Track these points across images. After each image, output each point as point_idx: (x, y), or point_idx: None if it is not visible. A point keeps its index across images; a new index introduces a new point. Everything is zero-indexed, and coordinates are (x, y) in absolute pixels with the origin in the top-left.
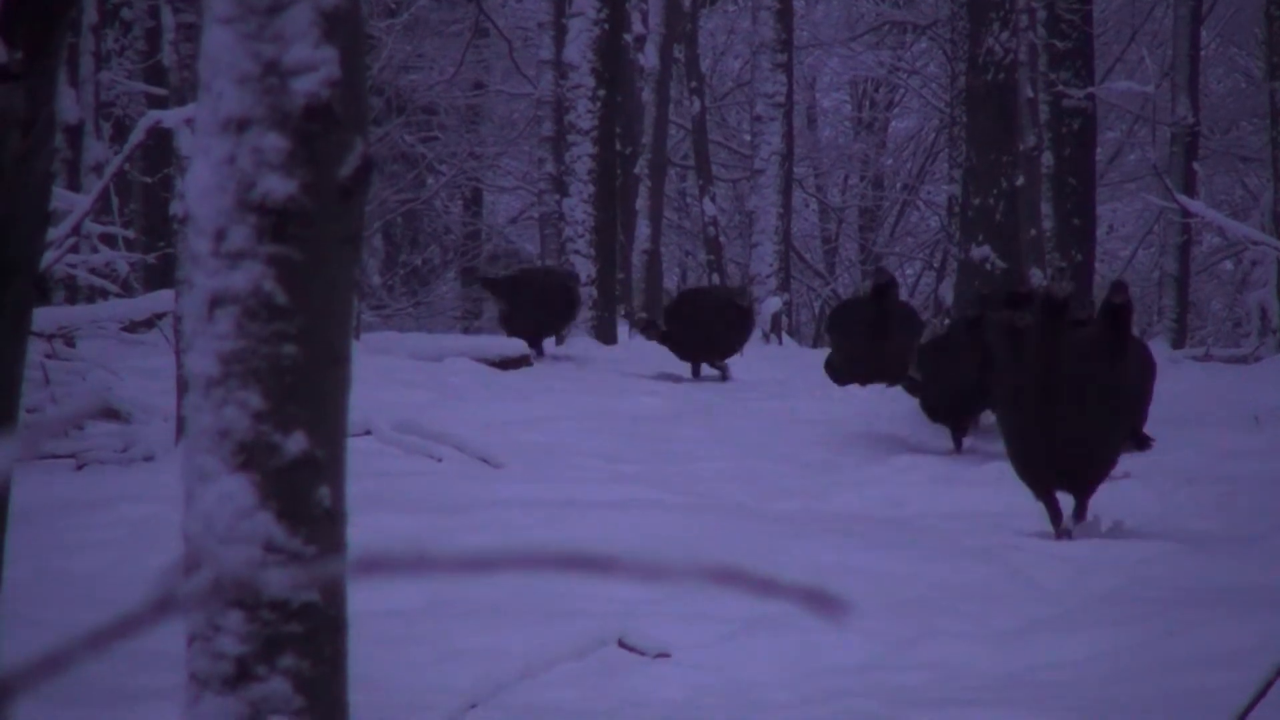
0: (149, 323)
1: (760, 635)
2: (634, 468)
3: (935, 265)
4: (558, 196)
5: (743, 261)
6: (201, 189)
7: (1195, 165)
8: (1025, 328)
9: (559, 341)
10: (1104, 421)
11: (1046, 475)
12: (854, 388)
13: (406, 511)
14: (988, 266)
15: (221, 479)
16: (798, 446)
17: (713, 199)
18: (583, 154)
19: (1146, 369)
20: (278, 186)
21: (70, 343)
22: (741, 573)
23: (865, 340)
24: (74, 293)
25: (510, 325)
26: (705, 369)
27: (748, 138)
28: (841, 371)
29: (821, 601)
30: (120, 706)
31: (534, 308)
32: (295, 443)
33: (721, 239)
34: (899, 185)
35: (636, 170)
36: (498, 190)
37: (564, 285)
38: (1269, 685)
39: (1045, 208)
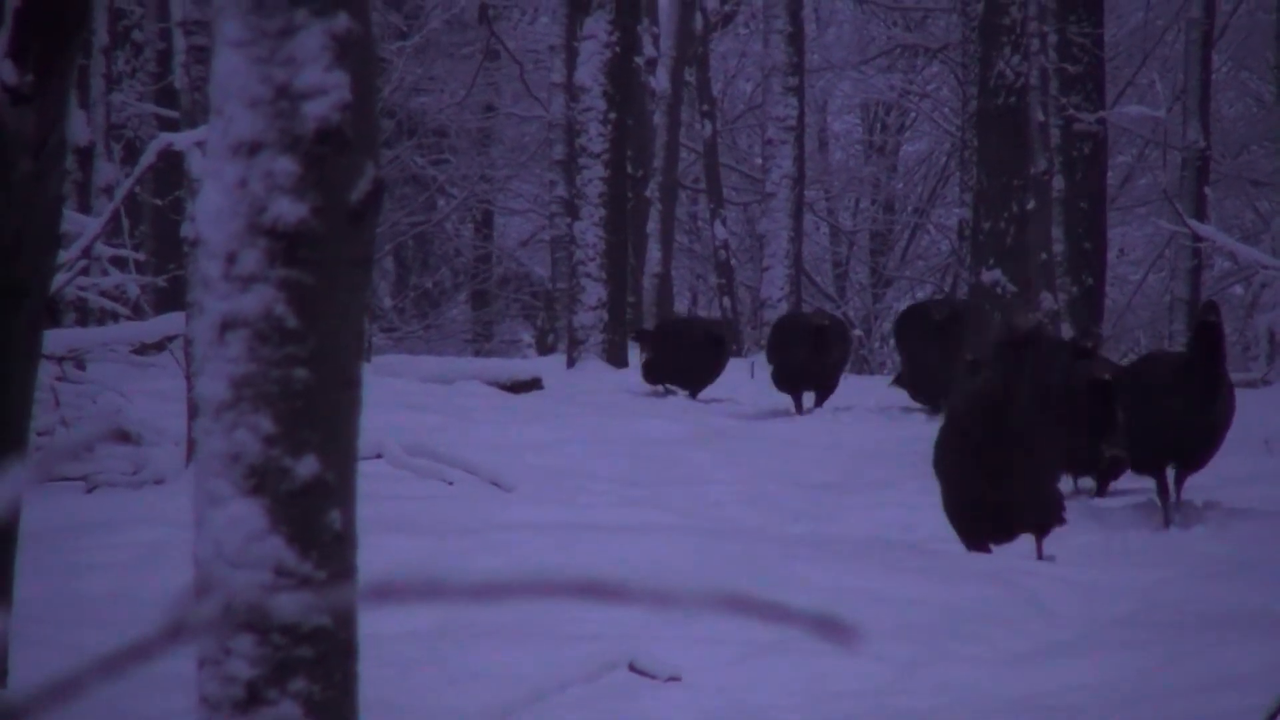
0: (160, 345)
1: (770, 659)
2: (644, 491)
3: (946, 289)
4: (569, 219)
5: (754, 285)
6: (213, 212)
7: (1206, 189)
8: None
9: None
10: (1050, 465)
11: (987, 522)
12: (866, 412)
13: (417, 535)
14: (998, 290)
15: (232, 503)
16: (808, 469)
17: (724, 222)
18: (594, 177)
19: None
20: (289, 210)
21: (81, 365)
22: (752, 600)
23: (941, 353)
24: (85, 315)
25: (652, 374)
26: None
27: (759, 161)
28: (920, 386)
29: (832, 628)
30: None
31: (679, 358)
32: (306, 466)
33: (733, 262)
34: (910, 209)
35: (648, 193)
36: (509, 213)
37: (711, 337)
38: (1278, 710)
39: (1056, 232)
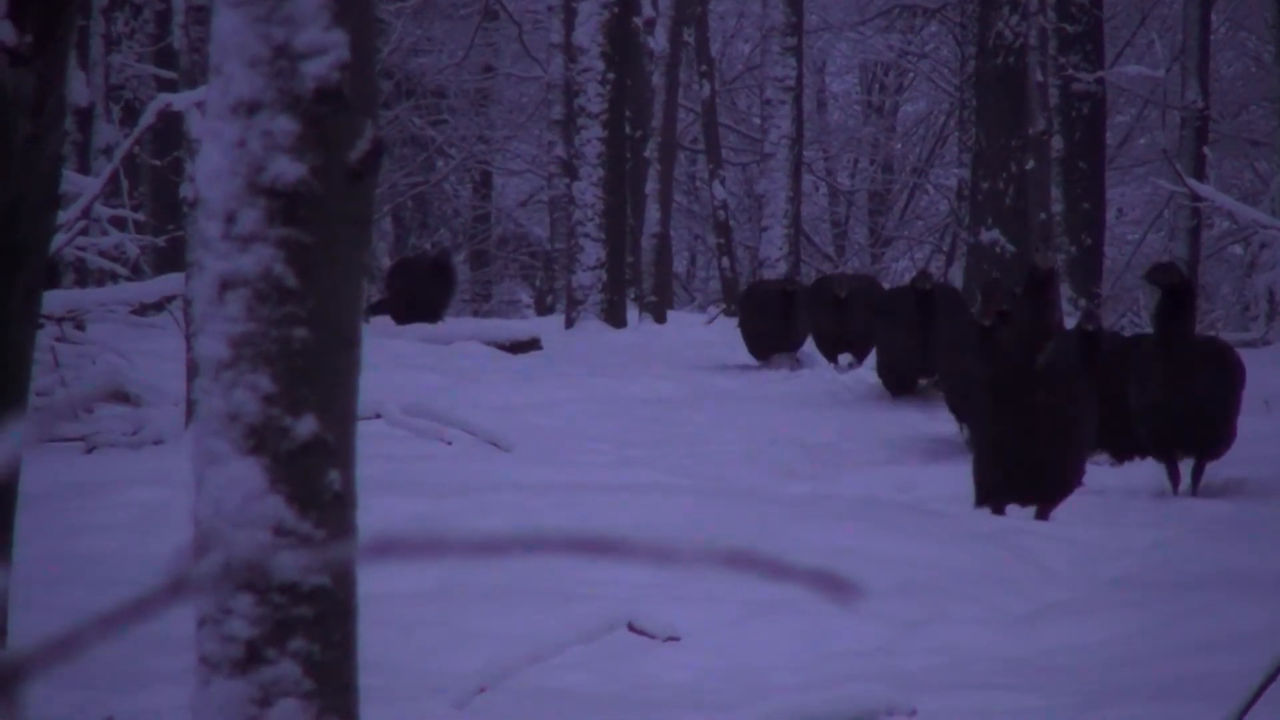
0: (159, 306)
1: (769, 619)
2: (643, 452)
3: (945, 249)
4: (567, 180)
5: (752, 245)
6: (212, 172)
7: (1205, 149)
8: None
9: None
10: (1082, 427)
11: (1011, 482)
12: (867, 371)
13: (416, 495)
14: (997, 250)
15: (231, 462)
16: (808, 430)
17: (722, 183)
18: (592, 137)
19: (1224, 377)
20: (288, 169)
21: (80, 326)
22: (753, 556)
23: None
24: (84, 276)
25: (744, 338)
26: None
27: (757, 121)
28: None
29: (832, 584)
30: (130, 689)
31: (755, 320)
32: (305, 426)
33: (731, 223)
34: (908, 169)
35: (646, 154)
36: (507, 173)
37: (782, 297)
38: (1278, 670)
39: (1055, 192)
